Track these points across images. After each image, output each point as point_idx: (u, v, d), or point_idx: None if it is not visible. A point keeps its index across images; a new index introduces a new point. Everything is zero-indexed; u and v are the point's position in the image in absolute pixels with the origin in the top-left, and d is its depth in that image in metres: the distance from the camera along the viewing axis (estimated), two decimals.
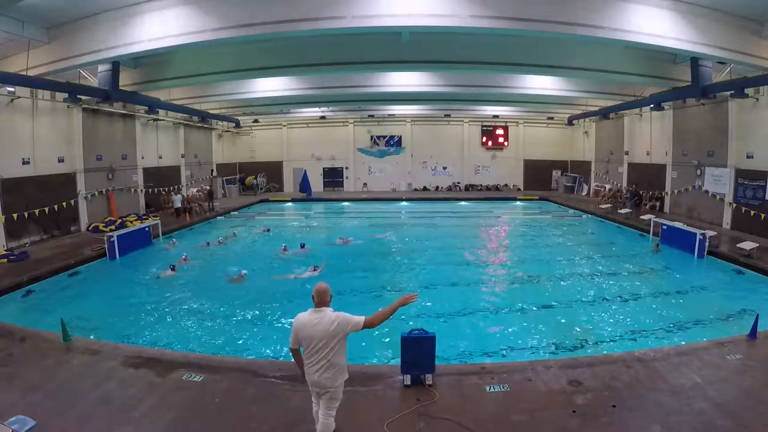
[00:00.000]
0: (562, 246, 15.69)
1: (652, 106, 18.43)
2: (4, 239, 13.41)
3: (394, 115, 30.99)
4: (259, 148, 32.32)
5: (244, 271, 11.66)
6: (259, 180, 31.02)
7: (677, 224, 14.83)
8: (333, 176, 32.37)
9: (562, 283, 11.30)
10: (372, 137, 32.02)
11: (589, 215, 21.58)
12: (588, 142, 28.78)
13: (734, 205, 16.08)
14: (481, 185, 32.10)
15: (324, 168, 32.26)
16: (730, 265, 12.26)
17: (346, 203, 27.85)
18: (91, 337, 7.48)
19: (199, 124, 25.96)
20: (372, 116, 31.14)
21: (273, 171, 32.18)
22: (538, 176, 31.86)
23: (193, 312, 9.45)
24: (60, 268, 12.00)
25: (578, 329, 8.34)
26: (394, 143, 32.05)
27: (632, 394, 5.41)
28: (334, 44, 13.12)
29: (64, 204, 15.79)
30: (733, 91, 14.28)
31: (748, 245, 12.40)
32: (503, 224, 21.24)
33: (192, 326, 8.73)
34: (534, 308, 9.39)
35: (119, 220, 17.78)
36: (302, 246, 14.46)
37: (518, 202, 27.78)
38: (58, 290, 10.79)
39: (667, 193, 20.36)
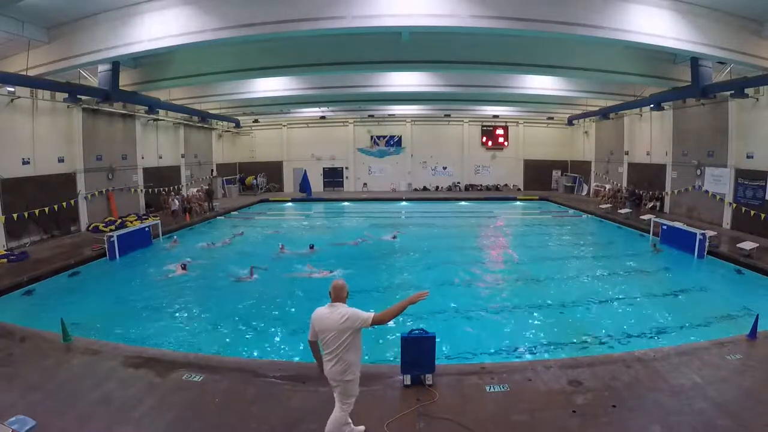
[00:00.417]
0: (562, 246, 15.69)
1: (652, 106, 18.43)
2: (4, 239, 13.41)
3: (394, 115, 30.99)
4: (259, 148, 32.32)
5: (255, 276, 11.62)
6: (259, 180, 31.02)
7: (677, 224, 14.83)
8: (333, 176, 32.37)
9: (562, 283, 11.30)
10: (372, 137, 32.01)
11: (589, 215, 21.58)
12: (588, 142, 28.78)
13: (734, 205, 16.08)
14: (481, 185, 32.10)
15: (324, 168, 32.26)
16: (730, 265, 12.26)
17: (346, 203, 27.85)
18: (91, 337, 7.47)
19: (199, 124, 25.96)
20: (372, 116, 31.14)
21: (273, 171, 32.17)
22: (538, 176, 31.86)
23: (195, 312, 9.46)
24: (60, 268, 12.00)
25: (578, 329, 8.34)
26: (394, 143, 32.05)
27: (632, 394, 5.41)
28: (334, 44, 13.11)
29: (64, 204, 15.80)
30: (733, 91, 14.28)
31: (748, 245, 12.40)
32: (503, 224, 21.23)
33: (193, 326, 8.73)
34: (534, 308, 9.39)
35: (119, 220, 17.78)
36: (311, 247, 14.35)
37: (518, 202, 27.78)
38: (58, 290, 10.79)
39: (667, 193, 20.36)
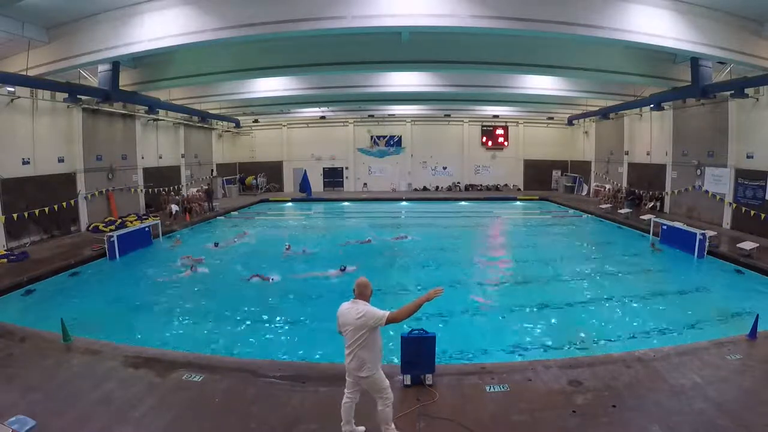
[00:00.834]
0: (562, 246, 15.68)
1: (652, 106, 18.42)
2: (4, 239, 13.41)
3: (394, 115, 30.99)
4: (259, 148, 32.30)
5: (275, 277, 11.58)
6: (259, 180, 31.02)
7: (677, 224, 14.83)
8: (333, 176, 32.37)
9: (562, 283, 11.30)
10: (372, 137, 32.01)
11: (589, 215, 21.57)
12: (588, 142, 28.78)
13: (734, 205, 16.08)
14: (481, 185, 32.09)
15: (324, 168, 32.25)
16: (730, 265, 12.25)
17: (346, 203, 27.85)
18: (92, 337, 7.46)
19: (199, 124, 25.96)
20: (372, 116, 31.13)
21: (273, 171, 32.17)
22: (538, 176, 31.85)
23: (201, 312, 9.47)
24: (60, 268, 12.00)
25: (578, 329, 8.34)
26: (394, 143, 32.05)
27: (632, 394, 5.41)
28: (334, 44, 13.11)
29: (64, 204, 15.79)
30: (733, 91, 14.27)
31: (748, 245, 12.40)
32: (503, 224, 21.24)
33: (194, 326, 8.74)
34: (534, 308, 9.39)
35: (119, 220, 17.78)
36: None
37: (518, 202, 27.78)
38: (58, 290, 10.79)
39: (667, 193, 20.36)
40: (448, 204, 26.80)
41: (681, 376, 5.75)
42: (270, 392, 5.58)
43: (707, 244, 13.09)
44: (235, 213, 23.40)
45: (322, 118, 30.90)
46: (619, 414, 5.01)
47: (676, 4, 10.65)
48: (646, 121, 22.06)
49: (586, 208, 22.64)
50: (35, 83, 13.14)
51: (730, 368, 5.99)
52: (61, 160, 16.03)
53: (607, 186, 25.47)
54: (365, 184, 32.37)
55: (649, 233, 15.88)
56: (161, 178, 22.43)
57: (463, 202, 27.56)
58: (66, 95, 14.33)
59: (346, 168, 32.30)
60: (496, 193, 30.47)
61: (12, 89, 13.50)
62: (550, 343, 7.83)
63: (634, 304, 9.62)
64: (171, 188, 22.88)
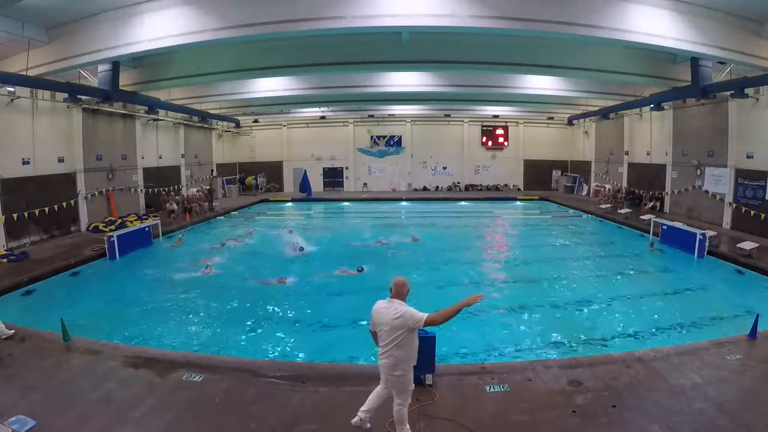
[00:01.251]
0: (562, 246, 15.69)
1: (652, 106, 18.43)
2: (4, 239, 13.41)
3: (394, 115, 30.99)
4: (259, 148, 32.30)
5: (289, 280, 11.44)
6: (259, 180, 31.02)
7: (677, 224, 14.83)
8: (333, 176, 32.36)
9: (562, 282, 11.29)
10: (372, 137, 32.01)
11: (589, 215, 21.57)
12: (588, 142, 28.78)
13: (734, 205, 16.08)
14: (481, 185, 32.09)
15: (324, 168, 32.25)
16: (730, 265, 12.25)
17: (346, 203, 27.84)
18: (92, 337, 7.47)
19: (199, 124, 25.95)
20: (372, 116, 31.13)
21: (273, 171, 32.17)
22: (538, 176, 31.85)
23: (196, 311, 9.46)
24: (60, 268, 12.00)
25: (578, 329, 8.34)
26: (394, 143, 32.04)
27: (632, 394, 5.41)
28: (334, 44, 13.11)
29: (64, 204, 15.79)
30: (733, 91, 14.27)
31: (748, 245, 12.40)
32: (503, 224, 21.23)
33: (192, 326, 8.74)
34: (534, 308, 9.39)
35: (119, 220, 17.78)
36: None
37: (518, 202, 27.77)
38: (58, 290, 10.79)
39: (667, 193, 20.36)
40: (448, 204, 26.80)
41: (681, 376, 5.75)
42: (270, 392, 5.58)
43: (707, 244, 13.09)
44: (235, 213, 23.40)
45: (322, 118, 30.89)
46: (619, 414, 5.01)
47: (676, 4, 10.65)
48: (646, 121, 22.06)
49: (586, 208, 22.64)
50: (35, 83, 13.14)
51: (730, 368, 5.99)
52: (61, 160, 16.03)
53: (607, 186, 25.47)
54: (365, 184, 32.37)
55: (649, 233, 15.88)
56: (161, 178, 22.42)
57: (463, 202, 27.56)
58: (66, 95, 14.33)
59: (346, 168, 32.30)
60: (496, 193, 30.47)
61: (12, 89, 13.49)
62: (550, 343, 7.83)
63: (634, 304, 9.62)
64: (171, 188, 22.87)
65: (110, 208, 18.56)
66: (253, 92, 19.48)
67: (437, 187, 32.12)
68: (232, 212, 23.23)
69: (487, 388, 5.60)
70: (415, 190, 31.85)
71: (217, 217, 21.62)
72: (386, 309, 4.33)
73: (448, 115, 30.95)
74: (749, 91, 14.24)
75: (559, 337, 8.00)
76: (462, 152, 32.09)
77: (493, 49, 13.56)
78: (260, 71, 15.13)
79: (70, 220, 16.39)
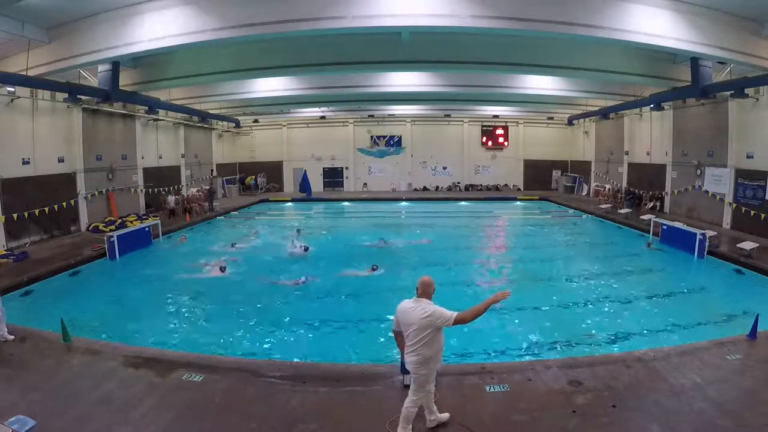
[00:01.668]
0: (562, 246, 15.70)
1: (652, 106, 18.43)
2: (4, 239, 13.41)
3: (394, 115, 30.98)
4: (259, 148, 32.30)
5: (308, 280, 11.32)
6: (259, 180, 31.02)
7: (677, 224, 14.83)
8: (333, 176, 32.36)
9: (562, 282, 11.30)
10: (372, 137, 32.01)
11: (589, 215, 21.58)
12: (588, 142, 28.78)
13: (734, 205, 16.08)
14: (481, 185, 32.09)
15: (324, 168, 32.24)
16: (730, 265, 12.26)
17: (346, 203, 27.84)
18: (92, 337, 7.47)
19: (199, 124, 25.95)
20: (372, 116, 31.13)
21: (273, 171, 32.17)
22: (538, 176, 31.84)
23: (196, 311, 9.46)
24: (60, 268, 12.00)
25: (578, 329, 8.35)
26: (394, 143, 32.04)
27: (632, 394, 5.41)
28: (334, 44, 13.10)
29: (64, 204, 15.79)
30: (733, 91, 14.28)
31: (748, 245, 12.40)
32: (503, 224, 21.24)
33: (191, 325, 8.74)
34: (534, 308, 9.39)
35: (119, 220, 17.78)
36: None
37: (518, 202, 27.78)
38: (58, 290, 10.79)
39: (667, 193, 20.36)
40: (448, 204, 26.79)
41: (681, 376, 5.75)
42: (270, 392, 5.58)
43: (707, 244, 13.09)
44: (235, 213, 23.40)
45: (322, 118, 30.89)
46: (619, 414, 5.01)
47: (676, 4, 10.65)
48: (646, 121, 22.06)
49: (586, 208, 22.64)
50: (35, 83, 13.14)
51: (730, 368, 5.99)
52: (61, 160, 16.03)
53: (607, 186, 25.48)
54: (365, 184, 32.37)
55: (649, 233, 15.88)
56: (161, 178, 22.42)
57: (463, 202, 27.56)
58: (66, 95, 14.33)
59: (346, 168, 32.30)
60: (496, 193, 30.47)
61: (12, 89, 13.49)
62: (550, 343, 7.83)
63: (634, 304, 9.63)
64: (171, 188, 22.86)
65: (110, 208, 18.57)
66: (253, 92, 19.47)
67: (437, 187, 32.12)
68: (232, 212, 23.23)
69: (487, 388, 5.60)
70: (415, 190, 31.85)
71: (217, 217, 21.62)
72: (414, 308, 4.34)
73: (448, 115, 30.95)
74: (749, 91, 14.23)
75: (559, 337, 7.99)
76: (462, 152, 32.09)
77: (493, 49, 13.55)
78: (260, 71, 15.13)
79: (70, 220, 16.39)
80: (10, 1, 9.61)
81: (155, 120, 21.77)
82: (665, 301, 9.85)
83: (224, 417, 5.05)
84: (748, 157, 15.61)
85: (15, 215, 13.64)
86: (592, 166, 28.17)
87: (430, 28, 10.87)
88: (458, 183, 32.15)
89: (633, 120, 23.39)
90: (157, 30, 10.71)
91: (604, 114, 23.43)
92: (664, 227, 14.99)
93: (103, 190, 18.20)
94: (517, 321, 8.80)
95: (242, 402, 5.35)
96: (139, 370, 6.08)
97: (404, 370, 5.67)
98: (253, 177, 30.85)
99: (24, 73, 12.35)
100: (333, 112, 29.75)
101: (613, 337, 7.99)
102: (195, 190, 23.37)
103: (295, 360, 7.01)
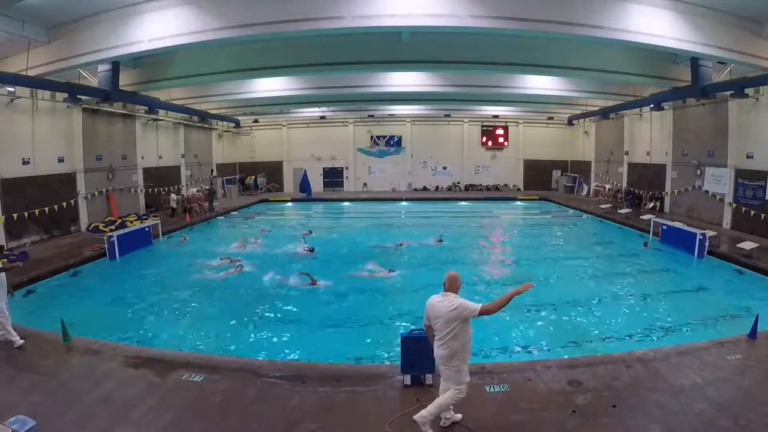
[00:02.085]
0: (562, 246, 15.68)
1: (652, 106, 18.44)
2: (4, 239, 13.40)
3: (394, 115, 30.98)
4: (259, 148, 32.30)
5: (320, 282, 11.03)
6: (259, 180, 31.03)
7: (677, 224, 14.83)
8: (333, 176, 32.36)
9: (562, 282, 11.29)
10: (372, 137, 32.01)
11: (589, 215, 21.57)
12: (588, 142, 28.79)
13: (734, 205, 16.08)
14: (481, 185, 32.09)
15: (324, 168, 32.24)
16: (730, 265, 12.26)
17: (346, 203, 27.84)
18: (91, 337, 7.46)
19: (199, 124, 25.96)
20: (372, 116, 31.13)
21: (273, 171, 32.18)
22: (538, 176, 31.84)
23: (194, 310, 9.46)
24: (60, 268, 11.99)
25: (578, 329, 8.35)
26: (394, 143, 32.04)
27: (632, 394, 5.41)
28: (334, 44, 13.11)
29: (64, 204, 15.78)
30: (733, 91, 14.28)
31: (748, 245, 12.39)
32: (503, 224, 21.24)
33: (190, 325, 8.74)
34: (534, 308, 9.38)
35: (119, 220, 17.78)
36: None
37: (518, 202, 27.77)
38: (58, 290, 10.79)
39: (667, 193, 20.36)
40: (448, 204, 26.78)
41: (681, 376, 5.75)
42: (270, 392, 5.58)
43: (707, 244, 13.08)
44: (235, 213, 23.39)
45: (322, 118, 30.88)
46: (619, 414, 5.01)
47: (676, 4, 10.65)
48: (646, 121, 22.06)
49: (586, 208, 22.64)
50: (35, 83, 13.14)
51: (730, 368, 5.99)
52: (61, 160, 16.03)
53: (607, 186, 25.48)
54: (365, 184, 32.37)
55: (649, 233, 15.87)
56: (161, 178, 22.42)
57: (463, 202, 27.55)
58: (66, 95, 14.33)
59: (346, 168, 32.29)
60: (496, 193, 30.47)
61: (12, 89, 13.48)
62: (550, 343, 7.83)
63: (634, 304, 9.63)
64: (171, 188, 22.85)
65: (110, 208, 18.56)
66: (253, 92, 19.47)
67: (437, 187, 32.11)
68: (232, 212, 23.22)
69: (487, 388, 5.60)
70: (415, 190, 31.85)
71: (217, 218, 21.61)
72: (441, 302, 4.52)
73: (448, 115, 30.95)
74: (749, 91, 14.23)
75: (559, 337, 7.99)
76: (462, 152, 32.09)
77: (493, 49, 13.56)
78: (260, 71, 15.13)
79: (70, 220, 16.38)
80: (10, 1, 9.62)
81: (155, 120, 21.77)
82: (665, 300, 9.84)
83: (224, 417, 5.05)
84: (748, 157, 15.61)
85: (15, 215, 13.64)
86: (592, 166, 28.17)
87: (430, 28, 10.87)
88: (458, 183, 32.15)
89: (633, 120, 23.39)
90: (157, 30, 10.71)
91: (604, 114, 23.44)
92: (664, 227, 14.98)
93: (103, 190, 18.20)
94: (517, 321, 8.79)
95: (242, 402, 5.35)
96: (139, 370, 6.08)
97: (404, 370, 5.68)
98: (253, 177, 30.86)
99: (24, 73, 12.35)
100: (333, 112, 29.75)
101: (613, 337, 7.98)
102: (195, 190, 23.37)
103: (296, 360, 7.01)
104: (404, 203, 27.54)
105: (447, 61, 14.14)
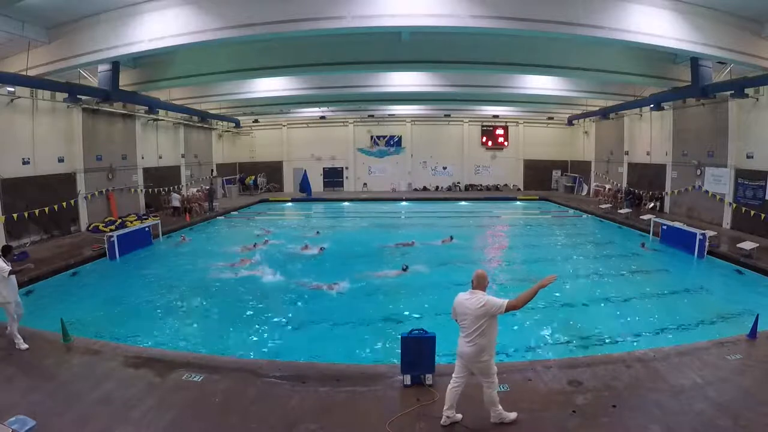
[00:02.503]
0: (561, 246, 15.68)
1: (652, 106, 18.44)
2: (4, 239, 13.38)
3: (394, 115, 30.98)
4: (259, 148, 32.30)
5: (336, 284, 10.80)
6: (259, 180, 31.03)
7: (677, 224, 14.83)
8: (333, 176, 32.35)
9: (562, 283, 11.25)
10: (372, 137, 32.00)
11: (589, 215, 21.57)
12: (588, 142, 28.79)
13: (734, 205, 16.07)
14: (481, 185, 32.09)
15: (324, 168, 32.23)
16: (730, 265, 12.25)
17: (346, 203, 27.83)
18: (92, 337, 7.47)
19: (199, 124, 25.95)
20: (372, 116, 31.13)
21: (273, 171, 32.17)
22: (538, 176, 31.83)
23: (200, 312, 9.46)
24: (60, 268, 11.99)
25: (578, 329, 8.34)
26: (394, 143, 32.03)
27: (632, 394, 5.41)
28: (334, 44, 13.11)
29: (64, 204, 15.77)
30: (733, 91, 14.28)
31: (748, 245, 12.39)
32: (503, 224, 21.23)
33: (190, 325, 8.75)
34: (534, 308, 9.34)
35: (119, 220, 17.78)
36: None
37: (518, 202, 27.77)
38: (58, 290, 10.78)
39: (667, 193, 20.35)
40: (448, 204, 26.79)
41: (681, 376, 5.75)
42: (270, 392, 5.59)
43: (707, 244, 13.08)
44: (235, 213, 23.39)
45: (322, 118, 30.88)
46: (619, 414, 5.02)
47: (676, 4, 10.65)
48: (646, 121, 22.06)
49: (586, 208, 22.64)
50: (35, 83, 13.13)
51: (730, 368, 5.99)
52: (61, 160, 16.02)
53: (607, 186, 25.48)
54: (365, 184, 32.37)
55: (649, 233, 15.88)
56: (161, 178, 22.41)
57: (463, 202, 27.55)
58: (66, 95, 14.32)
59: (346, 168, 32.29)
60: (496, 193, 30.47)
61: (12, 89, 13.47)
62: (550, 343, 7.83)
63: (634, 304, 9.63)
64: (171, 188, 22.84)
65: (110, 208, 18.56)
66: (253, 92, 19.48)
67: (437, 187, 32.11)
68: (232, 212, 23.22)
69: None
70: (415, 190, 31.84)
71: (217, 218, 21.61)
72: (469, 299, 4.63)
73: (448, 115, 30.94)
74: (749, 91, 14.23)
75: (559, 337, 7.99)
76: (462, 152, 32.08)
77: (493, 49, 13.56)
78: (260, 71, 15.13)
79: (70, 220, 16.38)
80: (10, 1, 9.61)
81: (155, 120, 21.76)
82: (665, 300, 9.84)
83: (224, 417, 5.05)
84: (748, 157, 15.61)
85: (15, 215, 13.63)
86: (592, 166, 28.16)
87: (430, 28, 10.87)
88: (458, 183, 32.15)
89: (633, 120, 23.38)
90: (157, 30, 10.71)
91: (604, 114, 23.44)
92: (664, 227, 14.99)
93: (103, 190, 18.20)
94: (517, 321, 8.78)
95: (242, 402, 5.35)
96: (139, 370, 6.08)
97: (404, 370, 5.68)
98: (253, 177, 30.86)
99: (24, 73, 12.35)
100: (333, 112, 29.75)
101: (613, 337, 7.98)
102: (195, 190, 23.37)
103: (296, 360, 7.00)
104: (404, 203, 27.53)
105: (447, 61, 14.14)
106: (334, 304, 9.79)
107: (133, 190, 20.23)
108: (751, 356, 6.30)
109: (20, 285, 10.41)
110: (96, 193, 17.64)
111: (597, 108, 24.00)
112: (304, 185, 29.00)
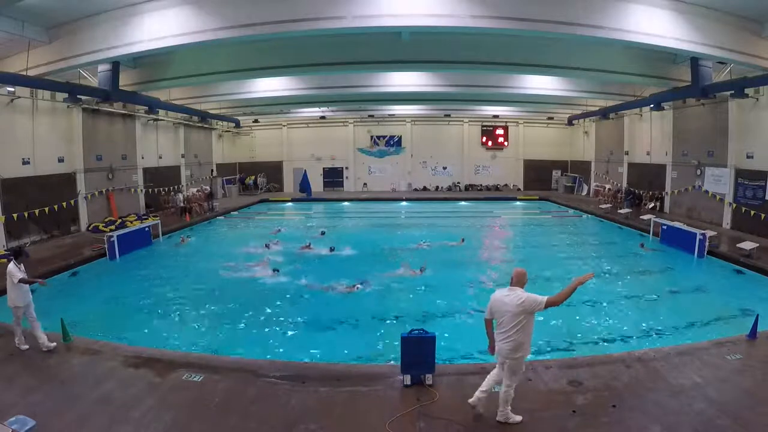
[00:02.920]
0: (562, 246, 15.67)
1: (652, 106, 18.44)
2: (4, 239, 13.40)
3: (394, 115, 30.99)
4: (259, 148, 32.31)
5: (358, 285, 10.64)
6: (259, 180, 31.03)
7: (677, 224, 14.83)
8: (333, 176, 32.36)
9: (561, 283, 11.23)
10: (372, 137, 32.00)
11: (589, 215, 21.58)
12: (588, 142, 28.78)
13: (734, 205, 16.08)
14: (481, 185, 32.09)
15: (324, 168, 32.24)
16: (730, 265, 12.25)
17: (346, 203, 27.83)
18: (92, 337, 7.46)
19: (199, 124, 25.95)
20: (372, 116, 31.13)
21: (273, 171, 32.18)
22: (538, 176, 31.83)
23: (203, 312, 9.46)
24: (60, 268, 11.99)
25: (578, 329, 8.34)
26: (394, 143, 32.04)
27: (632, 394, 5.41)
28: (334, 44, 13.11)
29: (64, 204, 15.78)
30: (733, 91, 14.28)
31: (748, 245, 12.40)
32: (503, 224, 21.23)
33: (190, 325, 8.75)
34: None
35: (119, 220, 17.78)
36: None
37: (518, 202, 27.77)
38: (58, 290, 10.75)
39: (667, 193, 20.36)
40: (448, 204, 26.79)
41: (681, 376, 5.75)
42: (270, 392, 5.58)
43: (707, 244, 13.09)
44: (235, 213, 23.39)
45: (322, 118, 30.89)
46: (619, 414, 5.02)
47: (676, 4, 10.65)
48: (646, 121, 22.06)
49: (586, 208, 22.64)
50: (35, 83, 13.14)
51: (730, 368, 5.99)
52: (61, 160, 16.03)
53: (607, 186, 25.48)
54: (365, 184, 32.37)
55: (649, 233, 15.87)
56: (161, 178, 22.41)
57: (463, 202, 27.56)
58: (66, 95, 14.33)
59: (346, 168, 32.30)
60: (496, 193, 30.48)
61: (12, 89, 13.48)
62: (550, 343, 7.82)
63: (634, 304, 9.64)
64: (171, 188, 22.85)
65: (110, 208, 18.56)
66: (253, 92, 19.48)
67: (437, 187, 32.11)
68: (232, 212, 23.22)
69: None
70: (415, 190, 31.85)
71: (217, 218, 21.61)
72: (509, 296, 4.68)
73: (448, 115, 30.95)
74: (749, 91, 14.24)
75: (559, 337, 7.98)
76: (462, 152, 32.09)
77: (493, 49, 13.56)
78: (260, 71, 15.14)
79: (70, 220, 16.38)
80: (10, 1, 9.61)
81: (155, 120, 21.76)
82: (665, 300, 9.85)
83: (224, 417, 5.05)
84: (748, 157, 15.61)
85: (15, 215, 13.64)
86: (592, 166, 28.17)
87: (430, 28, 10.87)
88: (458, 183, 32.15)
89: (633, 120, 23.38)
90: (157, 30, 10.71)
91: (604, 114, 23.44)
92: (664, 227, 14.99)
93: (103, 190, 18.20)
94: None
95: (242, 402, 5.35)
96: (139, 370, 6.08)
97: (405, 370, 5.68)
98: (253, 177, 30.85)
99: (24, 73, 12.35)
100: (333, 112, 29.75)
101: (613, 337, 7.98)
102: (195, 190, 23.37)
103: (296, 360, 7.00)
104: (404, 203, 27.54)
105: (447, 61, 14.15)
106: (352, 305, 9.68)
107: (133, 190, 20.24)
108: (751, 356, 6.30)
109: None
110: (96, 193, 17.64)
111: (597, 108, 24.01)
112: (304, 185, 29.00)
